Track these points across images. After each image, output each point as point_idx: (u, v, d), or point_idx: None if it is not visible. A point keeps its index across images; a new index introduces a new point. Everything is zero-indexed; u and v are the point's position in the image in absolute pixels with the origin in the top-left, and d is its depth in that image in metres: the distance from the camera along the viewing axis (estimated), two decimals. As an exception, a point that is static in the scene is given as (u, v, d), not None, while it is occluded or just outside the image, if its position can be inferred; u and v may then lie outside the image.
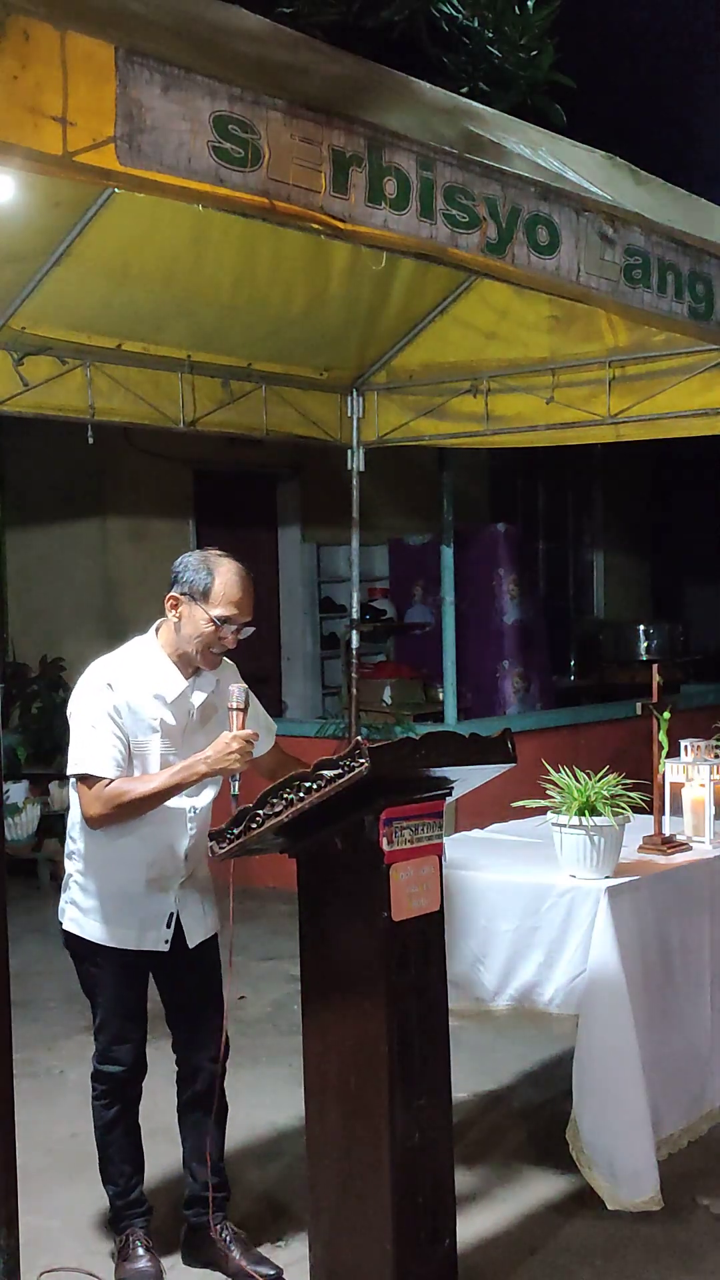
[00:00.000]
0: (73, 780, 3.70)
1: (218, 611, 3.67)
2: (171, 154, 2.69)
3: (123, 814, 3.66)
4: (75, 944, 3.84)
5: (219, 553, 3.78)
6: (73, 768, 3.66)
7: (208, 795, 3.84)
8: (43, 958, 6.98)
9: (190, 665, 3.76)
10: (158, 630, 3.80)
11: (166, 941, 3.78)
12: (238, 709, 3.67)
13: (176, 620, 3.73)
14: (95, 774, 3.62)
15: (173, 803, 3.70)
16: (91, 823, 3.68)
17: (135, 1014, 3.84)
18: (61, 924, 3.85)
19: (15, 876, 8.29)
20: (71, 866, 3.84)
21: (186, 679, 3.76)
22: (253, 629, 3.77)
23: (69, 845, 3.86)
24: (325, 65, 3.05)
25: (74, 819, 3.81)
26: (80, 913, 3.80)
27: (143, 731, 3.70)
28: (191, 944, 3.82)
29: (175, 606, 3.72)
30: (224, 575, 3.70)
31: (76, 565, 9.79)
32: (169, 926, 3.79)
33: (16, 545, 10.14)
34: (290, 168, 2.91)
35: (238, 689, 3.70)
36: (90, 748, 3.63)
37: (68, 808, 3.90)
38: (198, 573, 3.70)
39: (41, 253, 5.50)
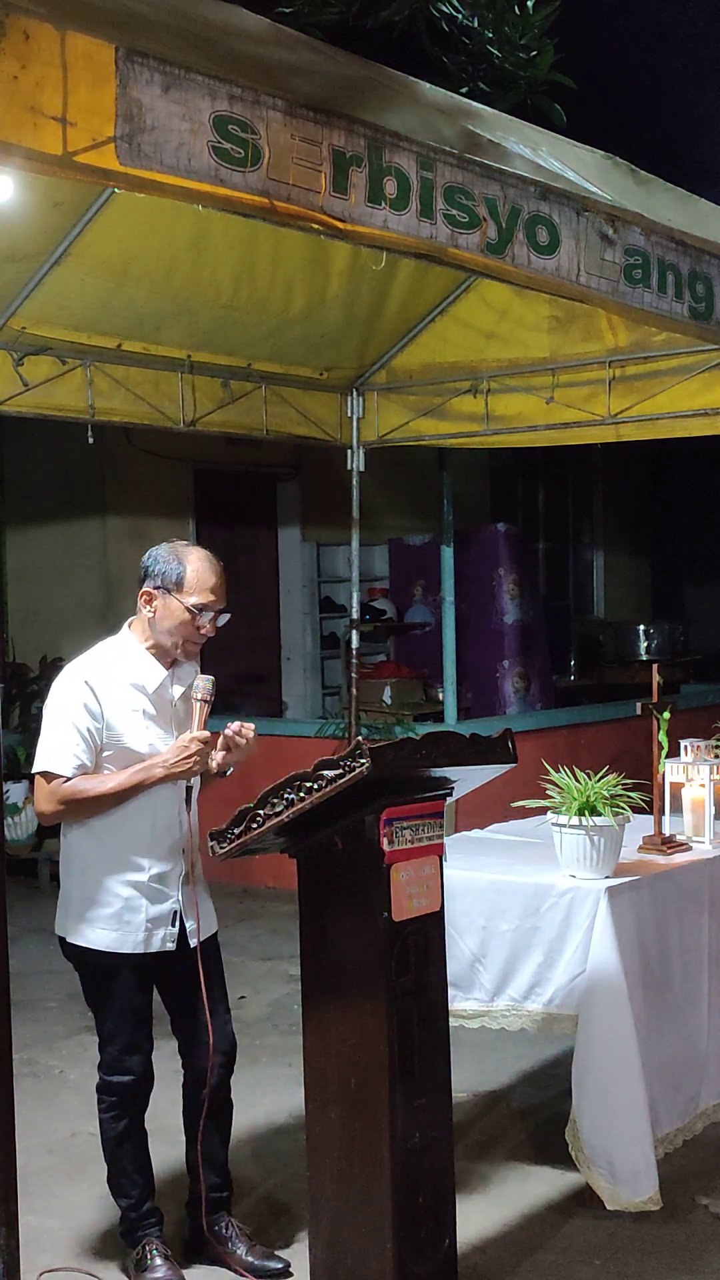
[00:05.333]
0: (36, 776, 3.69)
1: (194, 600, 3.65)
2: (171, 154, 2.70)
3: (74, 812, 3.67)
4: (79, 954, 3.74)
5: (186, 542, 3.78)
6: (35, 764, 3.68)
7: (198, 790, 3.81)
8: (43, 958, 6.97)
9: (168, 658, 3.74)
10: (129, 626, 3.78)
11: (172, 941, 3.72)
12: (203, 700, 3.65)
13: (151, 615, 3.70)
14: (53, 771, 3.63)
15: (166, 800, 3.67)
16: (41, 818, 3.76)
17: (145, 1021, 3.75)
18: (64, 937, 3.75)
19: (15, 876, 8.28)
20: (69, 875, 3.77)
21: (166, 669, 3.74)
22: (229, 615, 3.74)
23: (64, 853, 3.80)
24: (325, 65, 3.05)
25: (65, 827, 3.78)
26: (83, 923, 3.71)
27: (126, 723, 3.67)
28: (193, 943, 3.76)
29: (150, 601, 3.70)
30: (195, 563, 3.68)
31: (76, 565, 9.79)
32: (174, 925, 3.73)
33: (16, 545, 10.13)
34: (290, 168, 2.91)
35: (204, 680, 3.67)
36: (52, 745, 3.64)
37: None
38: (169, 564, 3.68)
39: (41, 253, 5.50)
